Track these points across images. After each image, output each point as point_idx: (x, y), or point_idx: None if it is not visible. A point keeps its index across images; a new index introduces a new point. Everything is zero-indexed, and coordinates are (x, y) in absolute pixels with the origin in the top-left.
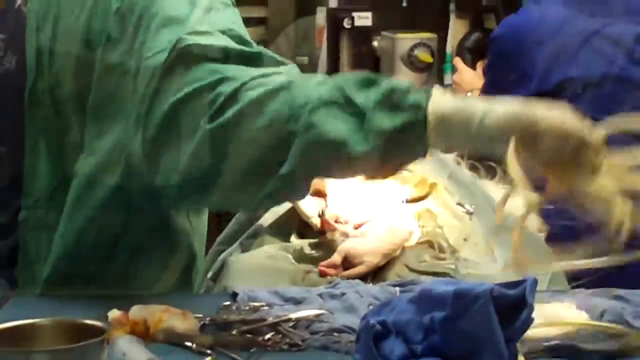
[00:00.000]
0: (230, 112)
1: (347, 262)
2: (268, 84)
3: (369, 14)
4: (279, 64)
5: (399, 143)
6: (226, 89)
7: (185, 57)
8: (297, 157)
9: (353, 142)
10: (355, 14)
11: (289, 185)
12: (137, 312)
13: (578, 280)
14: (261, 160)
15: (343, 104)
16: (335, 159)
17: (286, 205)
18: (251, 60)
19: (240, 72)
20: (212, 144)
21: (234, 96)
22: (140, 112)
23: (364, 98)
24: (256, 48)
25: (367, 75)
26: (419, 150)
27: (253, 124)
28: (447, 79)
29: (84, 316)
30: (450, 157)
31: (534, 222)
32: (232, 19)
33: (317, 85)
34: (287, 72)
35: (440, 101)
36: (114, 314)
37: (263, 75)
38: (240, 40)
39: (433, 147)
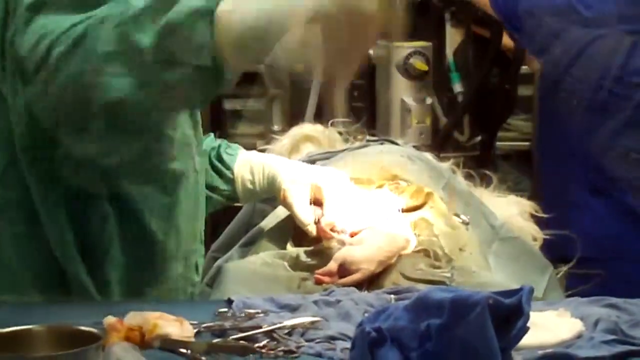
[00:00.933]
0: (43, 75)
1: (344, 270)
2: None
3: None
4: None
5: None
6: (41, 46)
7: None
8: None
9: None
10: None
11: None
12: (132, 318)
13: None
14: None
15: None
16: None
17: (284, 212)
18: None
19: (58, 23)
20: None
21: (46, 55)
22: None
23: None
24: None
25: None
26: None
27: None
28: (456, 87)
29: (79, 322)
30: (446, 167)
31: (530, 230)
32: None
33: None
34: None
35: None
36: (109, 320)
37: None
38: None
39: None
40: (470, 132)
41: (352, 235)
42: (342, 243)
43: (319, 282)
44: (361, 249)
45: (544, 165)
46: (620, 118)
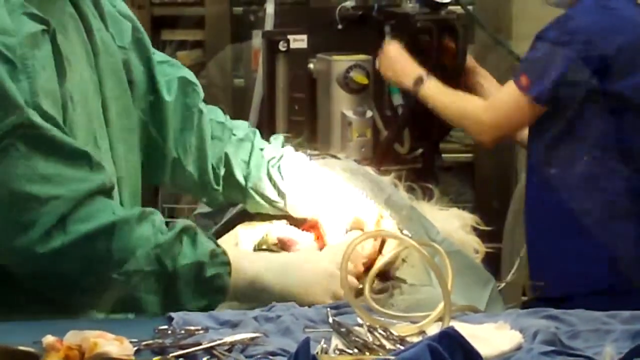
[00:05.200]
0: (59, 242)
1: None
2: (94, 219)
3: (304, 37)
4: (97, 167)
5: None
6: (55, 211)
7: (22, 138)
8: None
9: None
10: (290, 37)
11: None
12: (71, 337)
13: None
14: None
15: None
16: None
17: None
18: (74, 157)
19: (69, 190)
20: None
21: (62, 223)
22: None
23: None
24: (81, 147)
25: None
26: None
27: (77, 262)
28: (396, 100)
29: (18, 342)
30: (387, 180)
31: (472, 243)
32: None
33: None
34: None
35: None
36: (48, 339)
37: (89, 196)
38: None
39: None
40: (411, 144)
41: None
42: None
43: None
44: None
45: None
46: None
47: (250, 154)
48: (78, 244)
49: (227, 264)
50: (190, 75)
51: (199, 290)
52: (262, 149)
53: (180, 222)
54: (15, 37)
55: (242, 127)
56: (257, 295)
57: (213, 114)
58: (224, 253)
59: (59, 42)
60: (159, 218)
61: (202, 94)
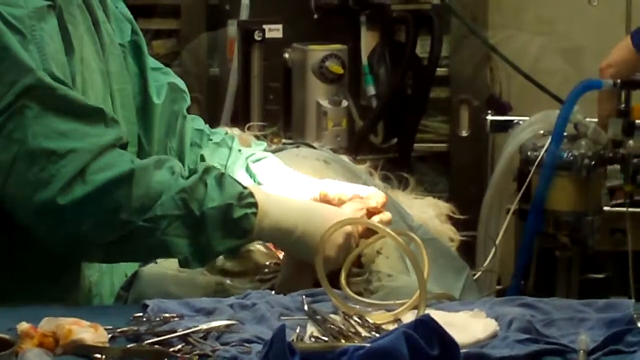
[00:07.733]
0: (79, 192)
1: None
2: (112, 168)
3: (279, 26)
4: (112, 122)
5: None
6: (74, 164)
7: (35, 98)
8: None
9: (190, 262)
10: (265, 27)
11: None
12: (46, 324)
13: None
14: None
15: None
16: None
17: None
18: (89, 114)
19: (86, 144)
20: (61, 216)
21: (81, 174)
22: None
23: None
24: (95, 104)
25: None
26: None
27: (99, 211)
28: (370, 90)
29: None
30: (362, 169)
31: (447, 232)
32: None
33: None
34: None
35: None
36: (23, 326)
37: (106, 148)
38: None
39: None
40: (385, 134)
41: None
42: (268, 247)
43: None
44: None
45: None
46: None
47: (228, 156)
48: (98, 193)
49: (255, 205)
50: (180, 82)
51: (227, 232)
52: (240, 150)
53: (202, 165)
54: (23, 8)
55: (219, 133)
56: (279, 237)
57: (194, 122)
58: (251, 194)
59: (69, 30)
60: (177, 164)
61: (188, 102)
